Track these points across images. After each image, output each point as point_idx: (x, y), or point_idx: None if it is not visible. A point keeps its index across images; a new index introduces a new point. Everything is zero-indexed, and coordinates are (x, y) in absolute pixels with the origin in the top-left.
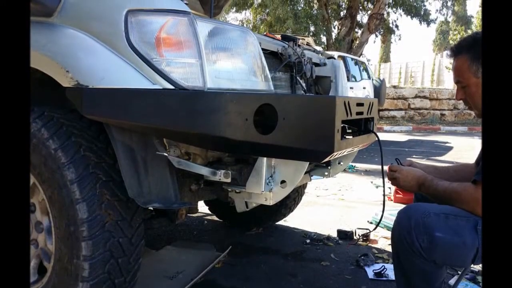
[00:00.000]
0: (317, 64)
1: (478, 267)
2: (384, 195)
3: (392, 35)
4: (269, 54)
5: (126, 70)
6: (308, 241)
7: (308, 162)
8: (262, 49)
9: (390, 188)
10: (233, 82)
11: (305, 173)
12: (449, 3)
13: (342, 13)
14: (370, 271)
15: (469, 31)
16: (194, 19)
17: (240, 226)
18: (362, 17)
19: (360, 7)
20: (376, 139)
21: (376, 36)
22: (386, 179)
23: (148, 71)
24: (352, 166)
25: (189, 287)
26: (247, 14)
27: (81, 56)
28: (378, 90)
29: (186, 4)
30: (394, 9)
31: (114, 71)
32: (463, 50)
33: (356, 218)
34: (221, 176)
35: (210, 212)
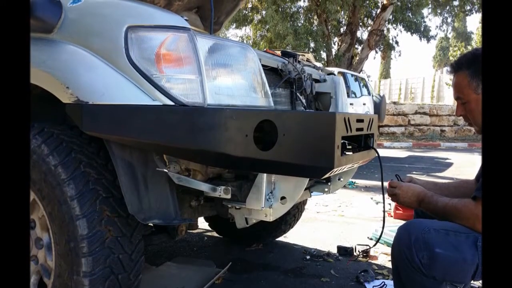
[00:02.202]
0: (317, 80)
1: (478, 284)
2: (384, 211)
3: (392, 51)
4: (269, 70)
5: (126, 87)
6: (308, 257)
7: (308, 178)
8: (262, 65)
9: (390, 204)
10: (233, 98)
11: (305, 189)
12: (449, 20)
13: (342, 29)
14: (370, 287)
15: (469, 47)
16: (194, 35)
17: (240, 242)
18: (362, 33)
19: (360, 23)
20: (376, 155)
21: (376, 52)
22: (386, 195)
23: (148, 87)
24: (352, 182)
25: None
26: (247, 30)
27: (81, 72)
28: (378, 106)
29: (186, 20)
30: (394, 25)
31: (114, 87)
32: (463, 66)
33: (356, 234)
34: (221, 192)
35: (210, 228)
